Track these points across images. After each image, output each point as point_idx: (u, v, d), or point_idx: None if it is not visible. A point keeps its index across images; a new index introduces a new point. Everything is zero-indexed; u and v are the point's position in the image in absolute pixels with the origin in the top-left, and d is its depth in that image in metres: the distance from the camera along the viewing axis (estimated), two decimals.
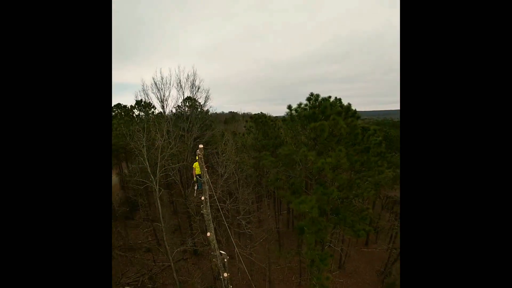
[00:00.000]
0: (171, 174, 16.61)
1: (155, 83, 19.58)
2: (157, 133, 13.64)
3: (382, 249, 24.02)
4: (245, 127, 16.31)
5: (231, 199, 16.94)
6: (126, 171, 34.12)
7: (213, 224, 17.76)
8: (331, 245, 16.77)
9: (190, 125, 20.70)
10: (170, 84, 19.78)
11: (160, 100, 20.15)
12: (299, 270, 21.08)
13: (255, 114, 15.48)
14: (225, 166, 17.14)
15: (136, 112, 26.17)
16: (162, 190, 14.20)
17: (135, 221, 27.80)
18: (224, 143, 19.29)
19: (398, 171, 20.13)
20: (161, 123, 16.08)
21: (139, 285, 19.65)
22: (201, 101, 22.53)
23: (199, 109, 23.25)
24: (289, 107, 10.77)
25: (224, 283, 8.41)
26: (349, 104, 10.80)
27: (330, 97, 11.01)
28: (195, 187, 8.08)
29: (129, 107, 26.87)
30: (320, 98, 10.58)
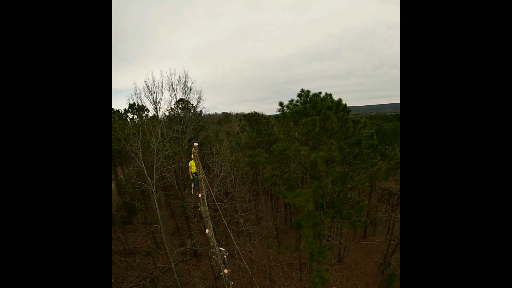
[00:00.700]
0: (167, 176, 16.67)
1: (147, 86, 19.66)
2: (152, 135, 13.72)
3: (380, 241, 24.33)
4: (239, 125, 16.43)
5: (228, 198, 17.03)
6: (121, 176, 34.02)
7: (212, 223, 17.95)
8: (329, 239, 17.00)
9: (184, 127, 20.78)
10: (162, 87, 19.87)
11: (153, 103, 20.22)
12: (299, 265, 21.30)
13: (248, 113, 15.66)
14: (221, 166, 17.24)
15: (130, 115, 26.15)
16: (159, 192, 14.27)
17: (133, 225, 27.73)
18: (218, 143, 19.39)
19: (392, 163, 20.47)
20: (155, 126, 16.15)
21: None
22: (194, 102, 22.67)
23: (192, 111, 23.34)
24: (281, 103, 10.95)
25: (225, 279, 8.56)
26: (340, 99, 11.01)
27: (320, 93, 11.21)
28: (192, 185, 8.20)
29: (123, 111, 26.84)
30: (311, 94, 10.76)
